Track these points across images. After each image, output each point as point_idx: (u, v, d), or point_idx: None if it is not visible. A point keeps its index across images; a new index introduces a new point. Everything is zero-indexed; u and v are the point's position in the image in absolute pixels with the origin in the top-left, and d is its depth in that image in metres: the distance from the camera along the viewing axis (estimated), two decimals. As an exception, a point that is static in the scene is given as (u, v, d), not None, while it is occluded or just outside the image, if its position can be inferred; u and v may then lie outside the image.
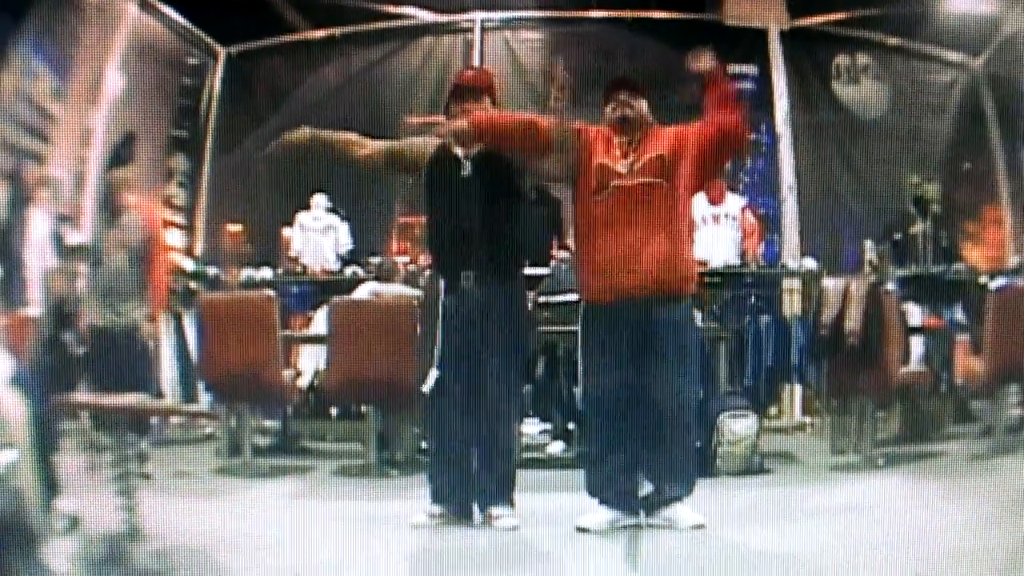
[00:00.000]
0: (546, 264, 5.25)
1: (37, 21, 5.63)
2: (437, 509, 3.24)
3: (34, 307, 4.64)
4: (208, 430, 5.62)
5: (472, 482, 3.24)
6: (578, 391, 3.29)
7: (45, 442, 2.63)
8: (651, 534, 3.07)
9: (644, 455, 3.17)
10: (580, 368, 3.23)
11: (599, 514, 3.14)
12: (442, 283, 3.21)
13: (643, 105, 3.23)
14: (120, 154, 6.41)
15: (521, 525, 3.18)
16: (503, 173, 3.18)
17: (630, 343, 3.10)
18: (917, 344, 5.56)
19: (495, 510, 3.20)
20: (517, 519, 3.18)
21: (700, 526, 3.10)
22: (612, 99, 3.22)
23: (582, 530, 3.10)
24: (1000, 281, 5.95)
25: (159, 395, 5.66)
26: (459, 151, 3.20)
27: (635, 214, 3.09)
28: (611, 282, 3.09)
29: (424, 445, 4.80)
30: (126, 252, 4.29)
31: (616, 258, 3.08)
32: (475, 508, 3.25)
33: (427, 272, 5.30)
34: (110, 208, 4.48)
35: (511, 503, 3.23)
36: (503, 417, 3.23)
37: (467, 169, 3.17)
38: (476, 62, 7.17)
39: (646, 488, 3.19)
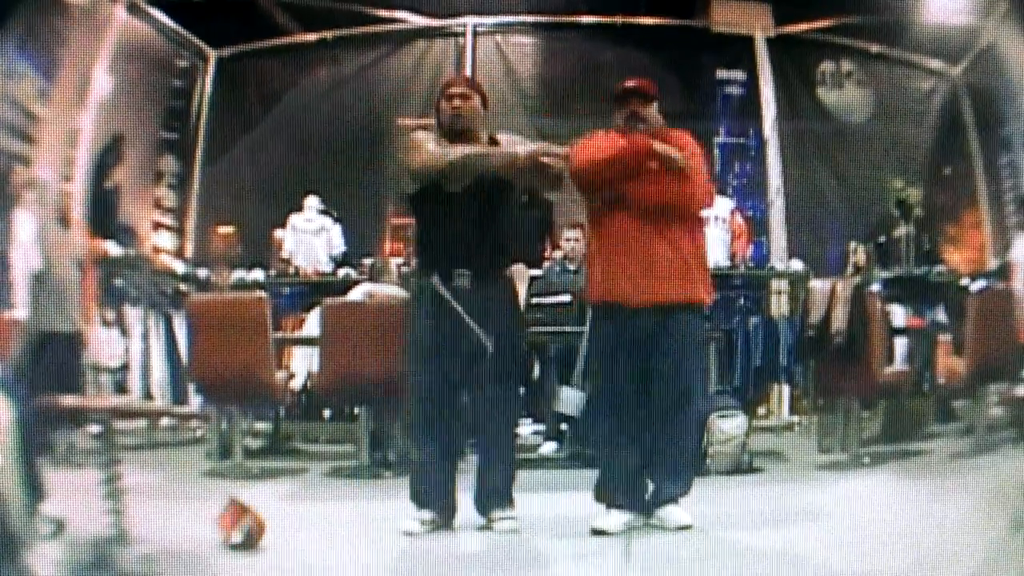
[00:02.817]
0: (538, 266, 5.28)
1: (22, 23, 5.60)
2: (427, 515, 3.17)
3: (19, 309, 4.62)
4: (198, 432, 5.60)
5: (456, 485, 3.21)
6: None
7: (29, 445, 2.62)
8: (642, 534, 3.10)
9: (650, 456, 3.18)
10: (583, 368, 3.24)
11: (613, 516, 3.12)
12: (433, 285, 3.15)
13: (654, 111, 3.22)
14: (108, 156, 6.41)
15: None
16: (495, 176, 3.16)
17: (641, 347, 3.10)
18: (900, 344, 5.65)
19: (497, 512, 3.18)
20: (518, 521, 3.16)
21: (687, 527, 3.12)
22: (623, 108, 3.20)
23: (598, 532, 3.07)
24: (980, 283, 6.07)
25: (148, 397, 5.65)
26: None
27: (651, 222, 3.09)
28: (627, 288, 3.09)
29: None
30: (73, 264, 4.34)
31: (634, 265, 3.08)
32: (474, 511, 3.22)
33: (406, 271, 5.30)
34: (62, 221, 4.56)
35: (512, 504, 3.20)
36: (502, 418, 3.21)
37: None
38: (468, 66, 7.21)
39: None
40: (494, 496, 3.20)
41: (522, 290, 4.01)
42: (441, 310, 3.12)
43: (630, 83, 3.24)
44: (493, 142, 3.21)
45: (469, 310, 3.10)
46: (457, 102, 3.18)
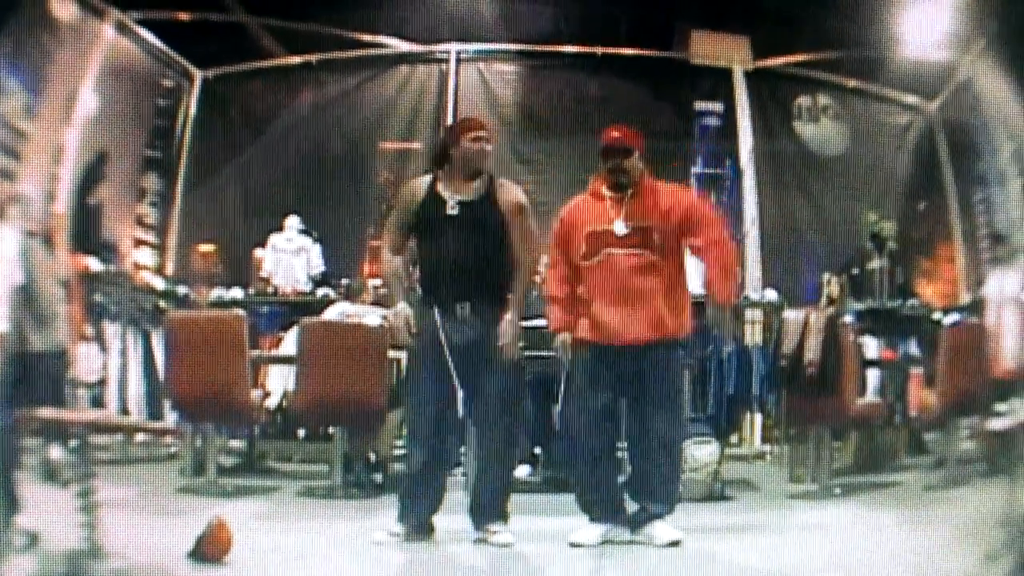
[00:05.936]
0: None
1: (9, 40, 5.63)
2: (399, 528, 3.30)
3: (0, 324, 4.60)
4: (173, 448, 5.57)
5: (435, 501, 3.33)
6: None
7: (6, 458, 2.61)
8: (613, 557, 3.13)
9: (630, 476, 3.35)
10: (562, 397, 3.40)
11: (591, 530, 3.28)
12: (436, 312, 3.28)
13: (635, 161, 3.32)
14: (92, 173, 6.41)
15: (488, 547, 3.24)
16: (487, 210, 3.30)
17: (617, 380, 3.25)
18: (873, 376, 5.70)
19: (493, 526, 3.30)
20: (512, 535, 3.29)
21: (676, 542, 3.23)
22: (607, 160, 3.31)
23: (575, 545, 3.22)
24: (953, 317, 6.14)
25: (125, 412, 5.61)
26: (447, 193, 3.33)
27: (627, 277, 3.23)
28: (600, 334, 3.24)
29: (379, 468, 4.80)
30: (58, 283, 4.35)
31: (608, 314, 3.22)
32: (468, 525, 3.32)
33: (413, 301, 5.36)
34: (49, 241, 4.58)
35: (505, 518, 3.34)
36: (506, 437, 3.32)
37: (454, 209, 3.28)
38: (451, 92, 7.30)
39: (632, 507, 3.34)
40: (490, 510, 3.32)
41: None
42: (437, 335, 3.23)
43: (615, 135, 3.33)
44: (492, 182, 3.34)
45: (467, 336, 3.22)
46: (486, 146, 3.34)
